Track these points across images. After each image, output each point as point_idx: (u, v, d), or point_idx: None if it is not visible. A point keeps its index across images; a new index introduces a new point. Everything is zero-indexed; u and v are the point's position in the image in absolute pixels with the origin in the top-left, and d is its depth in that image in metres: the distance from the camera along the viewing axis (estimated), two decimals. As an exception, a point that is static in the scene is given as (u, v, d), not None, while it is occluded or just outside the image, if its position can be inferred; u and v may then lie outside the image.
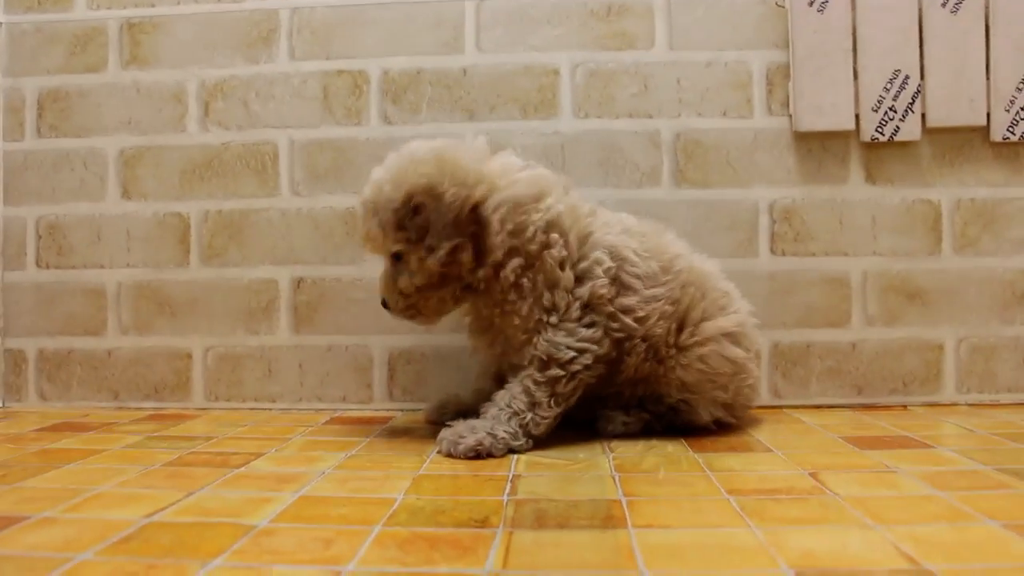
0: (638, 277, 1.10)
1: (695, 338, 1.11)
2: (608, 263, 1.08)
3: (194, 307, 1.44)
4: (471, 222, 1.04)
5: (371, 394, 1.41)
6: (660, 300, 1.10)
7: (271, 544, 0.67)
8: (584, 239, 1.09)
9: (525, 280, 1.06)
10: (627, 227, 1.14)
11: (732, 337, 1.13)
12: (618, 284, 1.09)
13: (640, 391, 1.16)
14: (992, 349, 1.37)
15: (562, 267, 1.07)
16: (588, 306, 1.07)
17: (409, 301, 1.10)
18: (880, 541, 0.66)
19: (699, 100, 1.39)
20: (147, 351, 1.45)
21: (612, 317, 1.08)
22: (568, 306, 1.06)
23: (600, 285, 1.07)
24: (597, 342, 1.07)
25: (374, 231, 1.07)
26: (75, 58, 1.47)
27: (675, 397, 1.14)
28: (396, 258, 1.09)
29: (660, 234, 1.17)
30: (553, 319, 1.06)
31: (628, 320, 1.09)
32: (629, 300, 1.09)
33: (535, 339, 1.07)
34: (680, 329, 1.12)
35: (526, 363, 1.08)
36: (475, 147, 1.12)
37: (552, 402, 1.06)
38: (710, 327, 1.12)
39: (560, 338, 1.06)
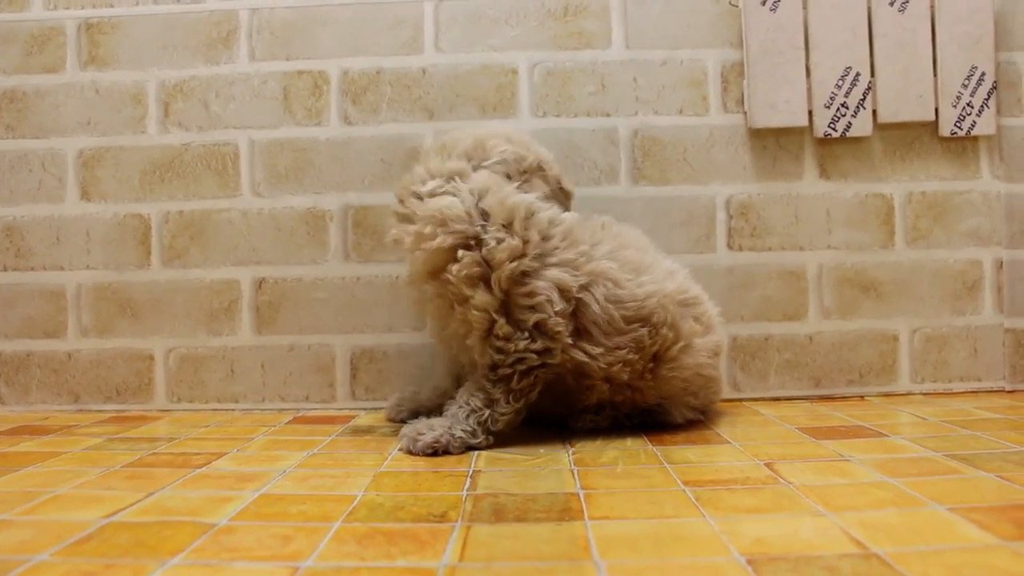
0: (597, 325, 1.07)
1: (675, 373, 1.12)
2: (561, 305, 1.04)
3: (156, 308, 1.43)
4: None
5: (334, 393, 1.41)
6: (623, 349, 1.08)
7: (230, 542, 0.67)
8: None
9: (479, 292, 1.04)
10: (596, 269, 1.08)
11: (710, 360, 1.16)
12: (575, 324, 1.07)
13: (615, 401, 1.14)
14: (944, 339, 1.40)
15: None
16: (537, 327, 1.04)
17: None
18: (830, 527, 0.68)
19: (655, 98, 1.41)
20: (108, 353, 1.44)
21: (566, 350, 1.06)
22: (518, 324, 1.04)
23: (555, 324, 1.04)
24: (547, 352, 1.05)
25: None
26: (32, 58, 1.46)
27: (650, 404, 1.14)
28: None
29: (637, 272, 1.11)
30: (504, 330, 1.04)
31: (586, 359, 1.07)
32: (593, 348, 1.07)
33: (483, 345, 1.06)
34: (656, 363, 1.10)
35: (481, 360, 1.08)
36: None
37: (509, 398, 1.06)
38: (690, 363, 1.12)
39: (503, 344, 1.04)
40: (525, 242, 1.04)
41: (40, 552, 0.65)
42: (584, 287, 1.06)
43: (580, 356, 1.07)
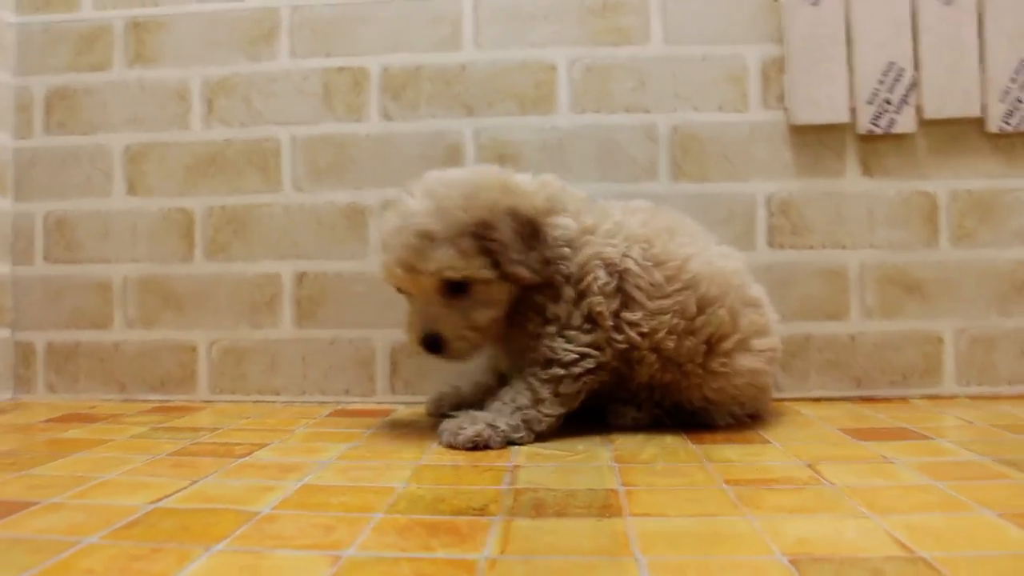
0: (640, 289, 1.08)
1: (728, 369, 1.10)
2: (604, 279, 1.07)
3: (199, 301, 1.45)
4: (533, 237, 1.05)
5: (374, 387, 1.42)
6: (667, 313, 1.08)
7: (273, 530, 0.68)
8: (587, 256, 1.08)
9: (537, 295, 1.07)
10: (632, 233, 1.11)
11: (767, 367, 1.14)
12: (621, 296, 1.08)
13: (658, 396, 1.14)
14: (991, 340, 1.38)
15: (568, 282, 1.07)
16: (589, 317, 1.07)
17: (478, 335, 1.07)
18: (875, 529, 0.67)
19: (695, 94, 1.40)
20: (153, 344, 1.46)
21: (616, 329, 1.08)
22: (570, 315, 1.07)
23: (597, 303, 1.07)
24: (599, 348, 1.08)
25: (442, 259, 1.01)
26: (82, 57, 1.49)
27: (696, 406, 1.13)
28: (454, 290, 1.04)
29: (672, 234, 1.13)
30: (552, 329, 1.07)
31: (632, 333, 1.08)
32: (633, 315, 1.08)
33: (537, 344, 1.07)
34: (709, 350, 1.10)
35: (529, 363, 1.09)
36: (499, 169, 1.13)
37: (556, 401, 1.07)
38: (746, 363, 1.11)
39: (559, 344, 1.06)
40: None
41: (90, 535, 0.67)
42: (625, 254, 1.09)
43: (626, 330, 1.08)
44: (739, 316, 1.11)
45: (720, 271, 1.11)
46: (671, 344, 1.08)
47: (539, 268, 1.04)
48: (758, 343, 1.12)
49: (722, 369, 1.10)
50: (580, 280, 1.07)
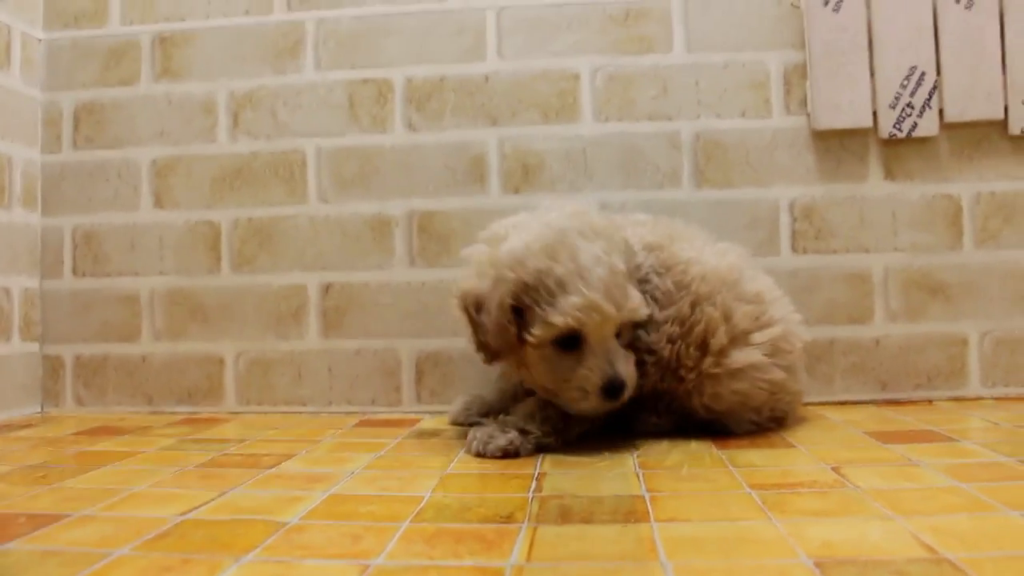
0: (656, 300, 1.08)
1: (720, 368, 1.08)
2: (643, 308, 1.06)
3: (225, 313, 1.47)
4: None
5: (400, 397, 1.43)
6: (666, 323, 1.09)
7: (302, 540, 0.69)
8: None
9: None
10: (645, 242, 1.12)
11: (768, 356, 1.09)
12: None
13: (665, 403, 1.14)
14: (1017, 342, 1.37)
15: None
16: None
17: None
18: (900, 532, 0.67)
19: (718, 101, 1.41)
20: (180, 356, 1.48)
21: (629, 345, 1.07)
22: None
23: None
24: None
25: (635, 299, 1.01)
26: (109, 72, 1.52)
27: (704, 417, 1.12)
28: (619, 333, 1.03)
29: (672, 240, 1.14)
30: None
31: (642, 354, 1.08)
32: (649, 336, 1.08)
33: None
34: (702, 353, 1.09)
35: None
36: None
37: (582, 419, 1.07)
38: (741, 358, 1.08)
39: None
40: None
41: (121, 547, 0.67)
42: (648, 265, 1.10)
43: (635, 343, 1.07)
44: (732, 312, 1.09)
45: (713, 269, 1.11)
46: (667, 353, 1.09)
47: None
48: (757, 336, 1.09)
49: (715, 370, 1.08)
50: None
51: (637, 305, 1.01)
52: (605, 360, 1.00)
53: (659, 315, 1.08)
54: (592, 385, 1.00)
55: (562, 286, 0.98)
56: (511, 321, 1.00)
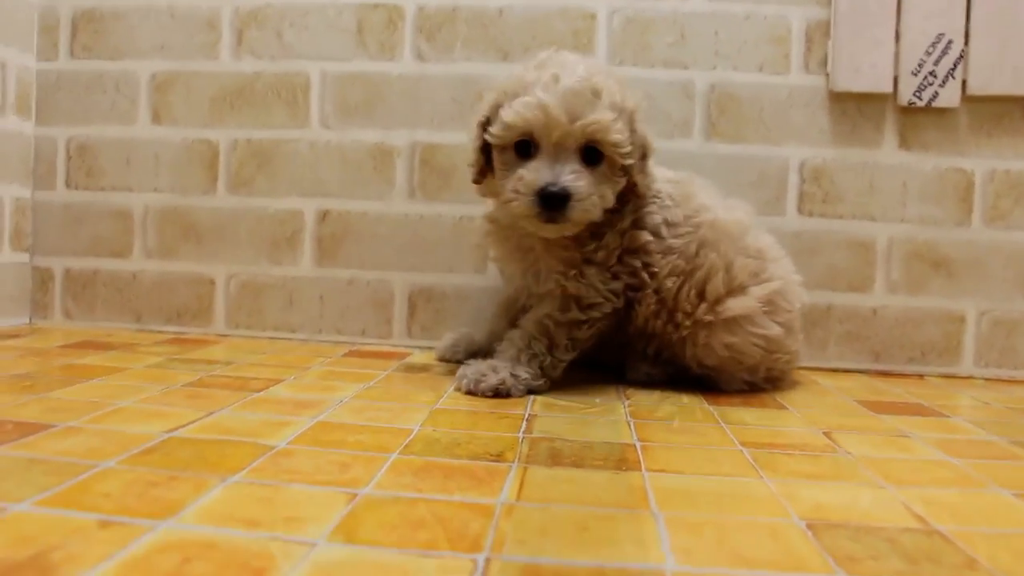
0: (668, 223, 1.09)
1: (714, 316, 1.08)
2: (657, 214, 1.09)
3: (219, 235, 1.45)
4: (644, 159, 1.08)
5: (390, 330, 1.42)
6: (674, 253, 1.09)
7: (289, 464, 0.68)
8: (655, 189, 1.11)
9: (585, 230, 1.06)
10: (667, 177, 1.14)
11: (765, 311, 1.09)
12: (655, 234, 1.09)
13: (653, 349, 1.15)
14: (1014, 324, 1.36)
15: (622, 215, 1.08)
16: (626, 252, 1.08)
17: (597, 211, 1.03)
18: (891, 500, 0.67)
19: (736, 53, 1.38)
20: (171, 276, 1.46)
21: (634, 273, 1.08)
22: (614, 251, 1.07)
23: (644, 237, 1.08)
24: (618, 295, 1.08)
25: (605, 118, 0.98)
26: (111, -22, 1.47)
27: (696, 371, 1.12)
28: (590, 159, 1.01)
29: (691, 181, 1.16)
30: (601, 255, 1.06)
31: (643, 275, 1.08)
32: (650, 256, 1.08)
33: (570, 273, 1.06)
34: (700, 298, 1.09)
35: (547, 301, 1.08)
36: None
37: (570, 345, 1.07)
38: (736, 305, 1.08)
39: (596, 282, 1.06)
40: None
41: (107, 459, 0.67)
42: (668, 193, 1.12)
43: (640, 271, 1.09)
44: (732, 263, 1.09)
45: (720, 220, 1.11)
46: (670, 284, 1.08)
47: (643, 191, 1.06)
48: (755, 290, 1.09)
49: (708, 317, 1.08)
50: (638, 210, 1.08)
51: (600, 122, 0.98)
52: (549, 168, 0.98)
53: (667, 236, 1.09)
54: (527, 187, 0.98)
55: (525, 88, 0.99)
56: (481, 140, 1.04)
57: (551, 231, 1.02)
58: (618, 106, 1.00)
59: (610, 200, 1.03)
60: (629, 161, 1.01)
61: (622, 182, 1.03)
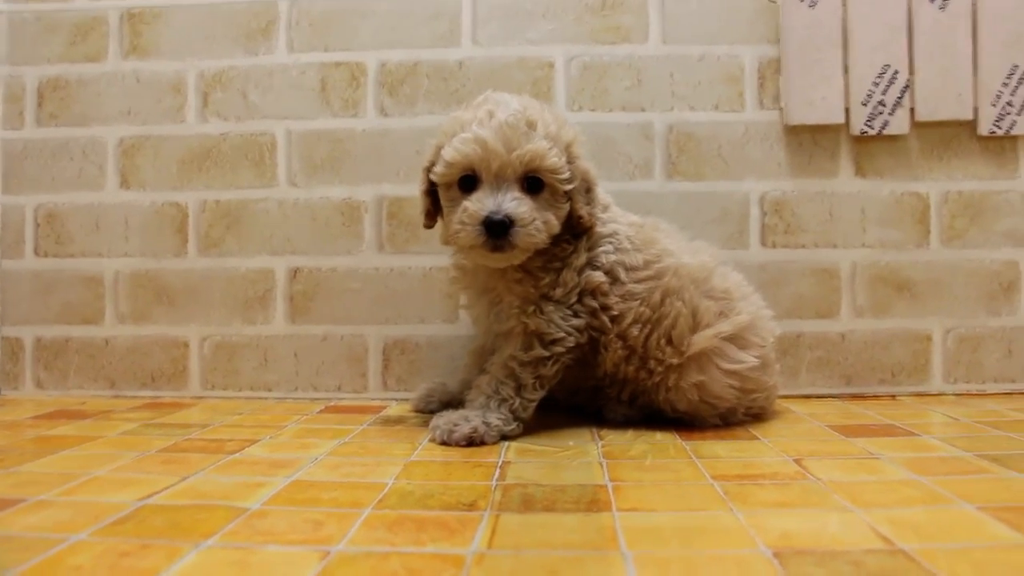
0: (625, 267, 1.10)
1: (679, 358, 1.09)
2: (612, 254, 1.10)
3: (191, 296, 1.45)
4: (590, 192, 1.11)
5: (366, 383, 1.42)
6: (636, 299, 1.10)
7: (263, 526, 0.68)
8: (610, 229, 1.13)
9: (540, 267, 1.09)
10: (629, 219, 1.16)
11: (735, 344, 1.10)
12: (610, 276, 1.10)
13: (627, 394, 1.15)
14: (979, 339, 1.39)
15: (577, 252, 1.10)
16: (584, 293, 1.09)
17: (543, 236, 1.05)
18: (858, 523, 0.68)
19: (692, 93, 1.41)
20: (144, 340, 1.46)
21: (593, 314, 1.09)
22: (572, 289, 1.08)
23: (598, 278, 1.09)
24: (579, 331, 1.09)
25: (541, 148, 1.02)
26: (76, 47, 1.48)
27: (670, 416, 1.13)
28: (532, 187, 1.04)
29: (654, 227, 1.17)
30: (548, 306, 1.08)
31: (603, 317, 1.10)
32: (610, 297, 1.09)
33: (529, 309, 1.08)
34: (669, 344, 1.09)
35: (510, 341, 1.10)
36: None
37: (537, 384, 1.08)
38: (699, 339, 1.08)
39: (555, 317, 1.07)
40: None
41: (78, 532, 0.67)
42: (627, 235, 1.14)
43: (600, 315, 1.10)
44: (697, 308, 1.10)
45: (684, 265, 1.12)
46: (636, 332, 1.09)
47: (588, 221, 1.08)
48: (718, 324, 1.10)
49: (674, 360, 1.09)
50: (592, 249, 1.10)
51: (537, 151, 1.01)
52: (492, 197, 1.02)
53: (626, 280, 1.10)
54: (471, 217, 1.01)
55: (463, 127, 1.04)
56: (428, 183, 1.10)
57: (499, 260, 1.04)
58: (553, 135, 1.04)
59: (555, 226, 1.05)
60: (569, 187, 1.05)
61: (565, 207, 1.06)
